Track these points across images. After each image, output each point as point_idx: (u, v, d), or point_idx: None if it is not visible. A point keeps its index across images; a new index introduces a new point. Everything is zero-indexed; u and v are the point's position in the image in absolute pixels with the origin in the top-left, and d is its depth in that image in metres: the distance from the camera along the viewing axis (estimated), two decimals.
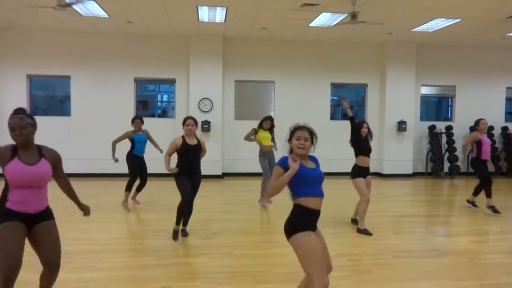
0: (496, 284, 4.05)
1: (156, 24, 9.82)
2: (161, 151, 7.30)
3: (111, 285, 4.00)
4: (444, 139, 11.98)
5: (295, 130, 3.15)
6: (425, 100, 12.47)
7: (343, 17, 8.62)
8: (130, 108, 11.07)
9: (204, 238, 5.62)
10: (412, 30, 9.87)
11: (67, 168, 3.76)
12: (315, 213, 3.05)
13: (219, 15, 8.97)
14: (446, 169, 11.88)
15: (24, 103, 10.38)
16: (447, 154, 11.89)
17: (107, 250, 5.13)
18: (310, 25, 9.54)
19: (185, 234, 5.58)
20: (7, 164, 2.93)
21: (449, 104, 12.54)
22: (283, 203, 5.83)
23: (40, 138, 9.60)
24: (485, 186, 7.13)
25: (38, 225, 3.06)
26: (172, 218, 5.53)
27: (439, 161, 11.77)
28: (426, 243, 5.40)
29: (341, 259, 4.72)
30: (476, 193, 7.35)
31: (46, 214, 3.13)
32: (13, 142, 3.00)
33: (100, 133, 10.76)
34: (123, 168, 10.37)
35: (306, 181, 2.99)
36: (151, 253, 4.91)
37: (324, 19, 9.04)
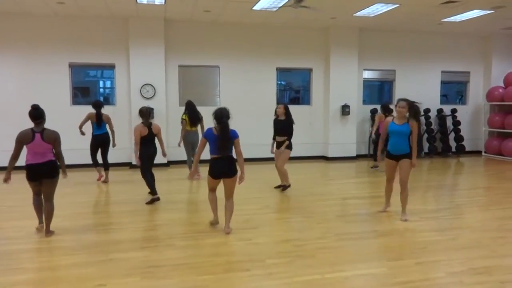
0: (430, 261, 4.21)
1: (90, 5, 9.20)
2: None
3: None
4: None
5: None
6: (368, 84, 12.80)
7: (285, 0, 8.54)
8: (65, 95, 10.42)
9: (145, 230, 5.42)
10: (354, 15, 10.01)
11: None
12: None
13: None
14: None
15: None
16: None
17: (39, 249, 4.80)
18: (254, 8, 9.37)
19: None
20: None
21: (390, 88, 12.96)
22: (220, 196, 5.76)
23: None
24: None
25: None
26: (113, 212, 5.24)
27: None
28: (367, 225, 5.55)
29: (285, 244, 4.74)
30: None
31: None
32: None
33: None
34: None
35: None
36: (87, 249, 4.63)
37: (267, 2, 8.91)
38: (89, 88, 12.35)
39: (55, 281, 3.84)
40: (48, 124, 10.66)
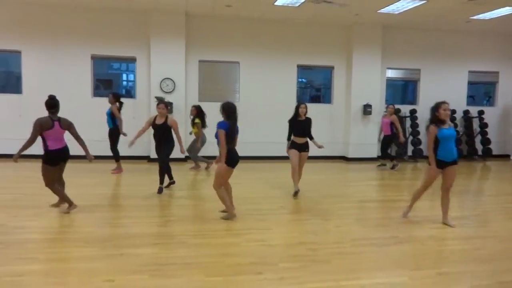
0: (452, 272, 3.97)
1: None
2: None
3: (47, 279, 3.66)
4: (408, 122, 12.05)
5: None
6: (392, 83, 12.47)
7: None
8: (87, 86, 10.49)
9: (158, 226, 5.34)
10: (379, 11, 9.72)
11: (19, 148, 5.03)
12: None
13: None
14: (409, 153, 11.99)
15: None
16: (411, 138, 11.98)
17: (52, 239, 4.79)
18: (276, 3, 9.20)
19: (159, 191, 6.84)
20: None
21: (414, 87, 12.58)
22: (240, 194, 5.64)
23: None
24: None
25: None
26: (128, 205, 5.29)
27: (403, 145, 11.82)
28: (386, 230, 5.29)
29: (299, 248, 4.56)
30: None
31: None
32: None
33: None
34: (80, 150, 10.47)
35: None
36: (99, 243, 4.56)
37: None
38: (112, 81, 12.43)
39: (63, 273, 3.78)
40: (69, 115, 11.13)
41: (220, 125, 5.20)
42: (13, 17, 9.93)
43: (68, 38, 10.25)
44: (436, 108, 5.24)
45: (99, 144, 9.17)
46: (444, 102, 5.23)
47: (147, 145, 10.47)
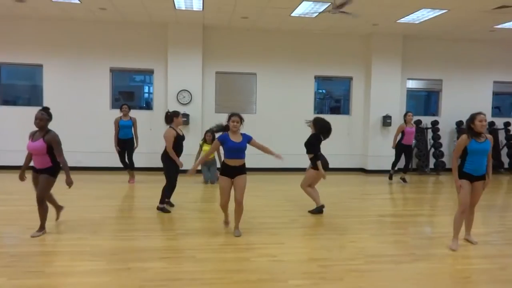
0: None
1: (131, 11, 9.34)
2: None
3: None
4: (430, 134, 11.71)
5: (231, 116, 5.14)
6: (413, 94, 12.19)
7: (325, 6, 8.23)
8: (105, 98, 10.62)
9: (167, 240, 5.26)
10: (398, 21, 9.53)
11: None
12: (233, 167, 5.16)
13: (196, 2, 8.54)
14: (431, 165, 11.63)
15: None
16: (432, 150, 11.63)
17: (60, 252, 4.73)
18: (292, 14, 9.14)
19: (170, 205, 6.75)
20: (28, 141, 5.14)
21: (436, 98, 12.25)
22: (255, 207, 5.50)
23: (9, 128, 9.28)
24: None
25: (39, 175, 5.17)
26: (139, 217, 5.20)
27: (424, 157, 11.50)
28: (403, 247, 5.06)
29: (310, 264, 4.39)
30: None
31: (44, 171, 5.12)
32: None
33: (75, 125, 10.29)
34: (97, 161, 10.62)
35: (230, 150, 5.13)
36: (106, 256, 4.51)
37: (306, 8, 8.65)
38: (133, 93, 12.56)
39: None
40: (88, 127, 11.60)
41: (220, 136, 5.19)
42: (35, 32, 10.19)
43: (87, 52, 10.43)
44: (471, 119, 4.91)
45: (115, 156, 9.24)
46: (479, 113, 4.89)
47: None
